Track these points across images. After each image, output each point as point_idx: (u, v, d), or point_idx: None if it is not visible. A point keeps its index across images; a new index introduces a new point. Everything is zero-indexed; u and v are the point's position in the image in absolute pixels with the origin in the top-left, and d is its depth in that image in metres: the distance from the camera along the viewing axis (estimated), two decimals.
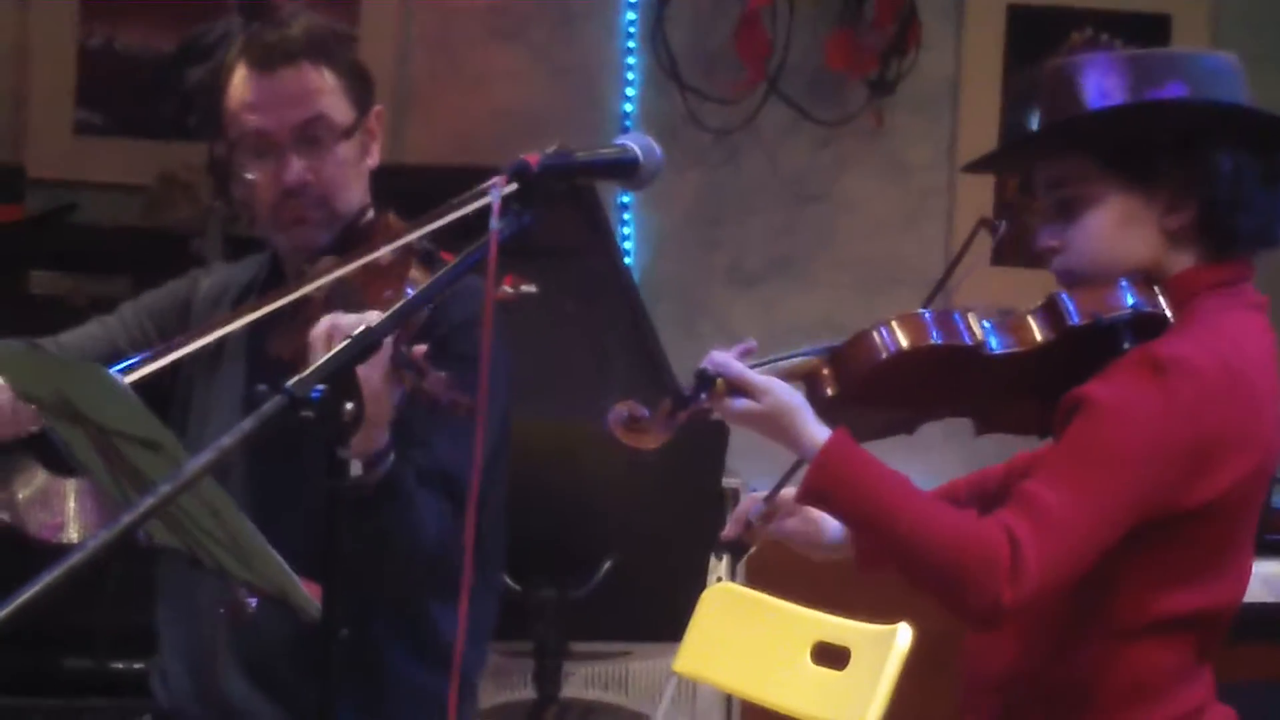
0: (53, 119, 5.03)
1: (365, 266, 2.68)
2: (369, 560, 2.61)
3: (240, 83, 2.84)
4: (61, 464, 2.91)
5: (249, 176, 2.84)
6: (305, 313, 2.67)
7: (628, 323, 4.60)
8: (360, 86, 2.89)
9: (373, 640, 2.77)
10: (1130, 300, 2.55)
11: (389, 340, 2.44)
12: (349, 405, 2.18)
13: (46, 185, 4.93)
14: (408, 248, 2.68)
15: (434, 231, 2.67)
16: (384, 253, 2.68)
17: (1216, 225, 2.59)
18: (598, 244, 4.72)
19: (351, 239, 2.80)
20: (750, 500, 2.78)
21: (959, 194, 5.27)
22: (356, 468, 2.56)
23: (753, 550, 2.79)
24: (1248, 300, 2.62)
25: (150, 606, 3.02)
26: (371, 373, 2.45)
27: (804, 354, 2.59)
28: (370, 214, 2.88)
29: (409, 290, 2.60)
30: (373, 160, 2.91)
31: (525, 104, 5.17)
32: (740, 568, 4.35)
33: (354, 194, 2.87)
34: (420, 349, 2.47)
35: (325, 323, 2.53)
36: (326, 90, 2.83)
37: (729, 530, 2.77)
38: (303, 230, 2.84)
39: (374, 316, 2.41)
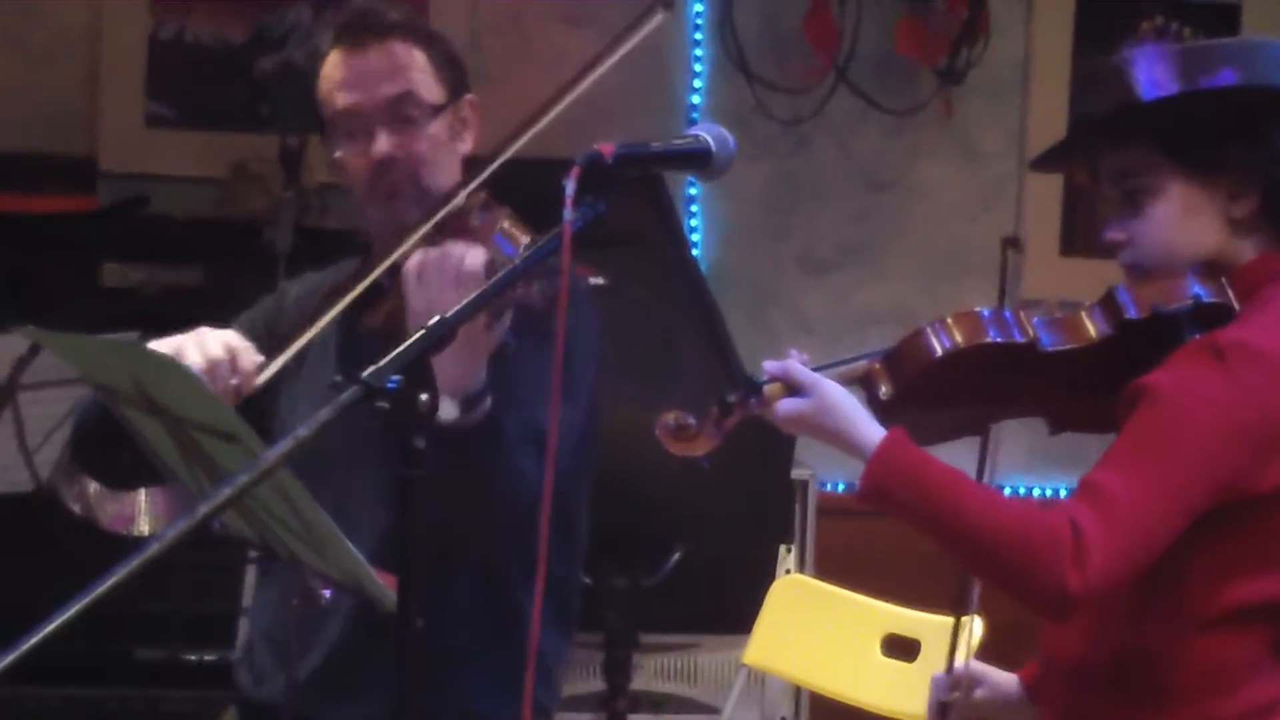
0: (124, 111, 5.05)
1: (453, 229, 2.68)
2: (468, 510, 2.65)
3: (332, 66, 2.84)
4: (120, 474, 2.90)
5: (338, 155, 2.84)
6: (392, 281, 2.69)
7: (696, 311, 4.60)
8: (452, 70, 2.89)
9: (453, 626, 2.77)
10: (1194, 290, 2.54)
11: (482, 263, 2.45)
12: (424, 396, 2.18)
13: (118, 178, 4.97)
14: (493, 207, 2.68)
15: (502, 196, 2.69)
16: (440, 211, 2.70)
17: None
18: (666, 232, 4.72)
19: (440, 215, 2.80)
20: (933, 684, 2.77)
21: (1029, 181, 5.25)
22: (453, 409, 2.57)
23: None
24: None
25: (223, 598, 3.03)
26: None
27: (859, 358, 2.59)
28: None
29: (499, 241, 2.62)
30: (466, 146, 2.90)
31: (593, 92, 5.15)
32: (809, 559, 4.36)
33: (445, 174, 2.85)
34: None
35: (415, 258, 2.54)
36: (416, 67, 2.83)
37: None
38: (395, 204, 2.83)
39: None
